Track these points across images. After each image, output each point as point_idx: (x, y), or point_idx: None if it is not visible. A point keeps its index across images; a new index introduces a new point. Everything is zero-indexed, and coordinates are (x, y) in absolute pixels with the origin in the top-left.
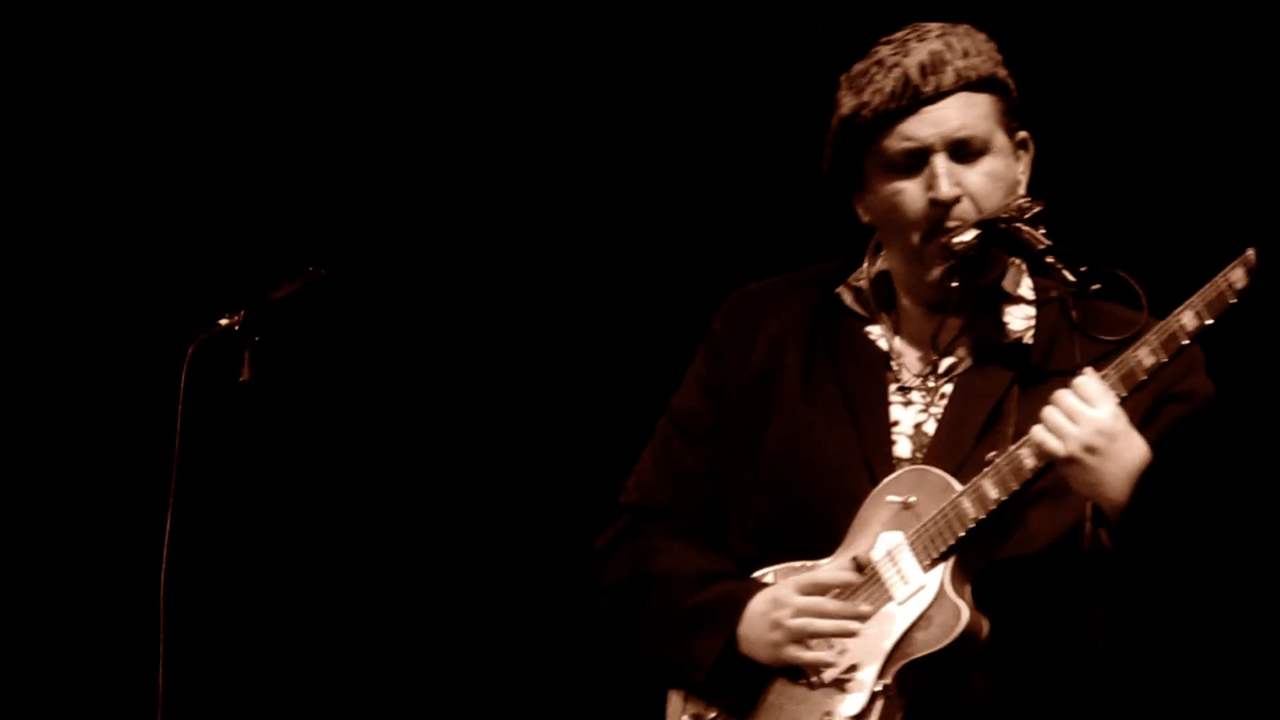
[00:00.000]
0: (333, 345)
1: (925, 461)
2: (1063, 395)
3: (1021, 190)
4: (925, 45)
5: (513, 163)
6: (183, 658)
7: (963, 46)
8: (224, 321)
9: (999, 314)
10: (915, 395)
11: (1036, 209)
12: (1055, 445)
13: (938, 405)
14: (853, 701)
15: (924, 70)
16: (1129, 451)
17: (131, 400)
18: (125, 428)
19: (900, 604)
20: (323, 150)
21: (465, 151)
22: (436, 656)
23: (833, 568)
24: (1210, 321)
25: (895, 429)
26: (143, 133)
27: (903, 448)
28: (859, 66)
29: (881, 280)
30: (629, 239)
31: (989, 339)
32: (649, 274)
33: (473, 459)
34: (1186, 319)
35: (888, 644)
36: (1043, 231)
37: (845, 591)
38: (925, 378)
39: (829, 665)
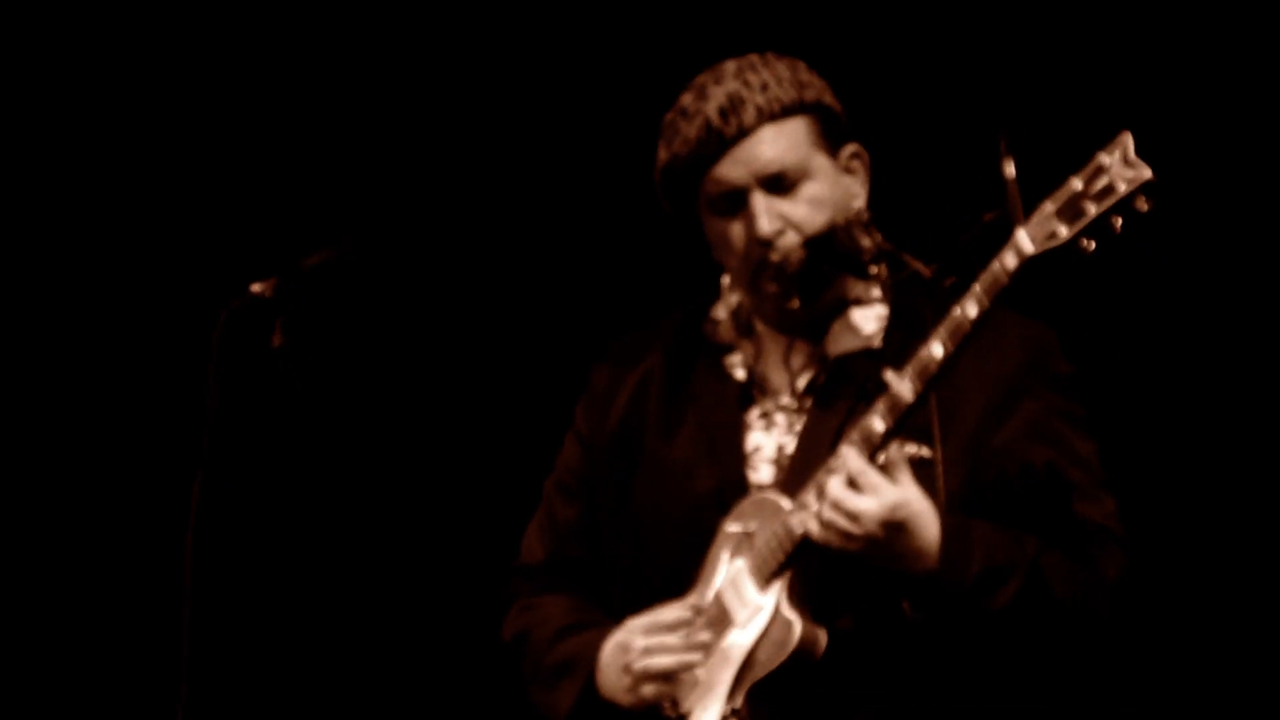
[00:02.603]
0: (367, 313)
1: (784, 482)
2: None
3: (860, 203)
4: (722, 87)
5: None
6: (209, 631)
7: (761, 80)
8: (256, 288)
9: (851, 321)
10: (778, 418)
11: (863, 219)
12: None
13: (800, 425)
14: None
15: (724, 112)
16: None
17: (163, 365)
18: (157, 393)
19: (742, 628)
20: (355, 122)
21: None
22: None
23: (675, 605)
24: (988, 306)
25: (757, 455)
26: (179, 107)
27: (764, 473)
28: (667, 117)
29: (740, 308)
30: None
31: (843, 349)
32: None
33: (506, 428)
34: (969, 307)
35: (733, 668)
36: (880, 238)
37: (694, 624)
38: (787, 399)
39: (685, 698)
